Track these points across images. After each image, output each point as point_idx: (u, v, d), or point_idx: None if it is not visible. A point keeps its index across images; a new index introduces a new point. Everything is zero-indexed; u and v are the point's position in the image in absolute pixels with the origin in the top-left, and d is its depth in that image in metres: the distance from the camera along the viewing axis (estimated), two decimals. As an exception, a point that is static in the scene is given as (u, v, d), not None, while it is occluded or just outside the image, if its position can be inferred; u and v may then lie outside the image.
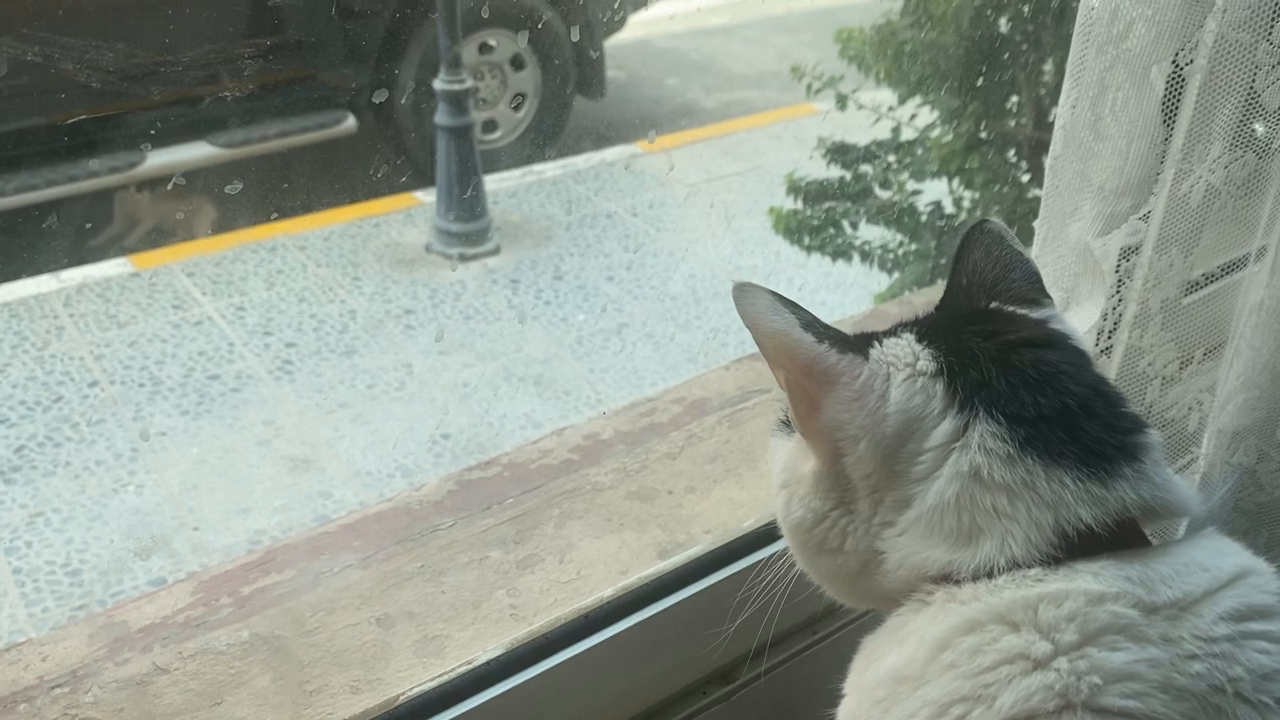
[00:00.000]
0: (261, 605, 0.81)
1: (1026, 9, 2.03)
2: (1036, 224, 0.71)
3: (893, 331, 0.61)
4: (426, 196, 3.33)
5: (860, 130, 2.63)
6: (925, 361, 0.58)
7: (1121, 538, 0.55)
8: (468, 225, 3.22)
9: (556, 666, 0.73)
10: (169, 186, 2.91)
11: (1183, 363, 0.73)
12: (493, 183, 3.42)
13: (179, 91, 2.62)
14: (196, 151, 2.82)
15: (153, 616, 0.80)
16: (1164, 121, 0.63)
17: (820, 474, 0.60)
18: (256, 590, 0.82)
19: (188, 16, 2.54)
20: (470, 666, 0.72)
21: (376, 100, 3.13)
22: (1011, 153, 2.34)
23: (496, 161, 3.49)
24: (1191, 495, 0.59)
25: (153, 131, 2.64)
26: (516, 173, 3.61)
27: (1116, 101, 0.62)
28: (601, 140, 3.91)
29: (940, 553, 0.56)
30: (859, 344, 0.58)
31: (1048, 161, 0.67)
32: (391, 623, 0.80)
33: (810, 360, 0.56)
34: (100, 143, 2.69)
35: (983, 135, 2.19)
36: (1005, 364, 0.57)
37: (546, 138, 3.66)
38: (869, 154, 2.41)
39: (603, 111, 3.93)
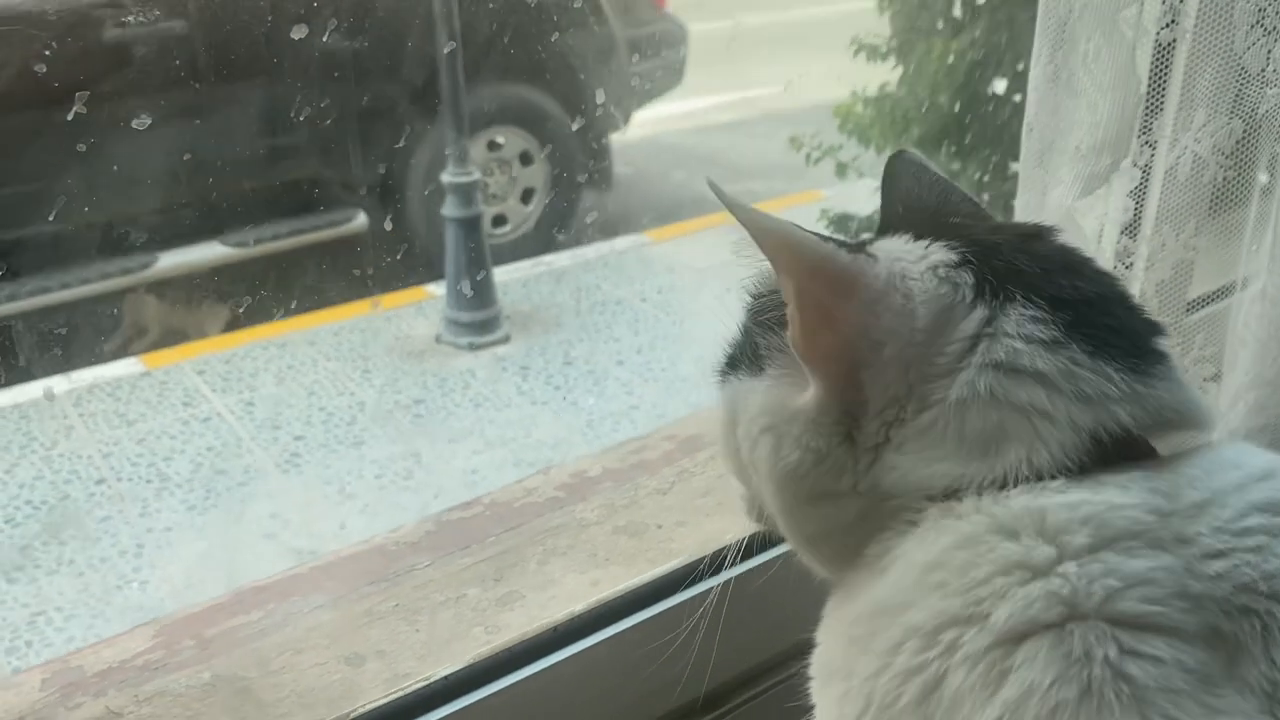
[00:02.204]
0: (225, 647, 0.77)
1: (1020, 65, 2.04)
2: (1016, 199, 0.68)
3: (879, 236, 0.55)
4: (437, 290, 3.35)
5: (864, 202, 2.63)
6: (942, 253, 0.52)
7: (1151, 448, 0.49)
8: (477, 315, 3.24)
9: (521, 681, 0.68)
10: (181, 288, 2.94)
11: (1184, 349, 0.69)
12: (502, 273, 3.44)
13: (192, 193, 2.67)
14: (209, 252, 2.86)
15: (110, 660, 0.75)
16: (1136, 71, 0.60)
17: (824, 403, 0.52)
18: (221, 632, 0.78)
19: (201, 119, 2.60)
20: (427, 682, 0.67)
21: (386, 226, 3.18)
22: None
23: (506, 253, 3.52)
24: (1209, 405, 0.53)
25: (165, 233, 2.68)
26: (526, 263, 3.63)
27: (1088, 54, 0.60)
28: (610, 231, 3.94)
29: (949, 466, 0.49)
30: (860, 247, 0.52)
31: (1023, 130, 0.65)
32: (361, 661, 0.75)
33: (821, 261, 0.50)
34: (113, 245, 2.73)
35: (985, 198, 2.19)
36: (1029, 251, 0.52)
37: (555, 230, 3.70)
38: (871, 223, 2.41)
39: (611, 204, 3.98)
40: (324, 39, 2.72)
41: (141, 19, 2.41)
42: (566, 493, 0.94)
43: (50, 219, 2.39)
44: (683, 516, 0.91)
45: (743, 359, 0.58)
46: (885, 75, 2.30)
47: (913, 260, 0.52)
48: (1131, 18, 0.59)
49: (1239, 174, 0.64)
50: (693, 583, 0.76)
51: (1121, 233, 0.66)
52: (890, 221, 0.58)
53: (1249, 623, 0.44)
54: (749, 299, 0.59)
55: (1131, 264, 0.67)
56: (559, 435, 2.87)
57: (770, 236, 0.50)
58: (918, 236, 0.53)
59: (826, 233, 0.53)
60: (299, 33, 2.52)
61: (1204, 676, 0.42)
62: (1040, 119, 0.64)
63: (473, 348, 3.18)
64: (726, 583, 0.69)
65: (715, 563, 0.74)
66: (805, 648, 0.57)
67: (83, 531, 2.49)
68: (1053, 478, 0.47)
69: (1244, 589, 0.44)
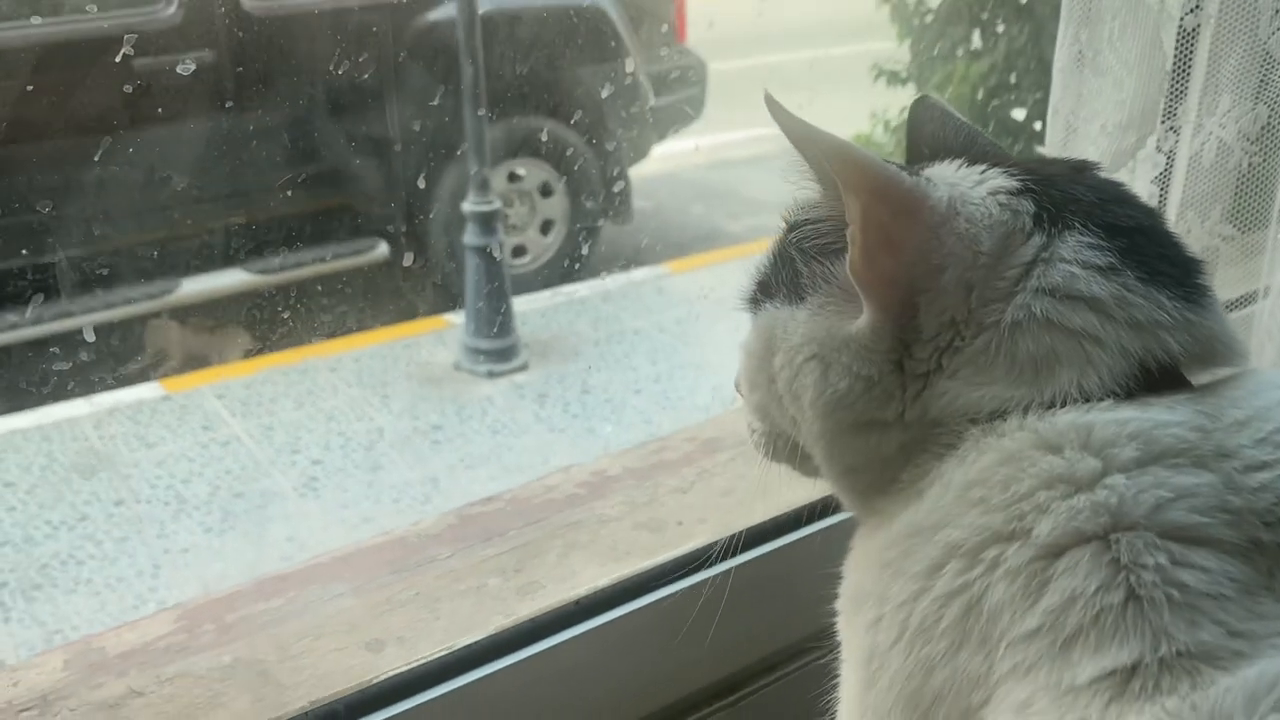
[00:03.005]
0: (247, 631, 0.77)
1: (1039, 94, 2.05)
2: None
3: (929, 163, 0.55)
4: (457, 319, 3.37)
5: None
6: (1001, 179, 0.52)
7: (1184, 381, 0.49)
8: (496, 343, 3.25)
9: (543, 652, 0.68)
10: (203, 313, 2.97)
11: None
12: (522, 303, 3.46)
13: (215, 220, 2.70)
14: (231, 278, 2.88)
15: (133, 643, 0.75)
16: (1163, 48, 0.60)
17: (879, 329, 0.52)
18: (242, 617, 0.78)
19: (225, 148, 2.63)
20: (449, 650, 0.67)
21: (407, 254, 3.21)
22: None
23: (526, 284, 3.54)
24: (1243, 339, 0.53)
25: (188, 259, 2.71)
26: (545, 293, 3.65)
27: (1113, 32, 0.60)
28: (629, 263, 3.96)
29: (999, 389, 0.49)
30: (913, 171, 0.52)
31: (1049, 113, 0.65)
32: (381, 647, 0.75)
33: (886, 182, 0.49)
34: (136, 270, 2.76)
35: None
36: (1083, 182, 0.52)
37: (574, 261, 3.72)
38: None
39: (630, 237, 4.00)
40: (349, 70, 2.76)
41: (170, 48, 2.45)
42: (587, 490, 0.94)
43: (75, 244, 2.42)
44: (703, 514, 0.91)
45: (779, 287, 0.57)
46: (904, 104, 2.31)
47: (970, 185, 0.52)
48: (1156, 1, 0.60)
49: (1264, 160, 0.64)
50: (708, 565, 0.76)
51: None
52: (918, 163, 0.58)
53: None
54: (786, 227, 0.59)
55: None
56: (576, 462, 2.86)
57: (835, 155, 0.49)
58: (971, 162, 0.53)
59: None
60: (323, 62, 2.56)
61: (1246, 587, 0.42)
62: (1065, 102, 0.64)
63: (491, 375, 3.19)
64: (741, 567, 0.69)
65: (730, 546, 0.74)
66: (826, 634, 0.56)
67: (101, 551, 2.50)
68: (1100, 400, 0.47)
69: None
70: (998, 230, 0.50)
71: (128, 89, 2.27)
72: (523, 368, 3.23)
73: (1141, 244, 0.50)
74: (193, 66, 1.58)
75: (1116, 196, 0.52)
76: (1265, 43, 0.61)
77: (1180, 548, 0.43)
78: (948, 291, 0.50)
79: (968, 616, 0.45)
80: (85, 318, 2.78)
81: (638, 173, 4.25)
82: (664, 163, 4.44)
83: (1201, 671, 0.41)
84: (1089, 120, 0.63)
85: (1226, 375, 0.50)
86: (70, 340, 2.71)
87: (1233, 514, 0.44)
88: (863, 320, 0.53)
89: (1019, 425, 0.48)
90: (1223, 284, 0.75)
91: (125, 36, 1.03)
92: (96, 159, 2.12)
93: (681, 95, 4.07)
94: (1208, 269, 0.52)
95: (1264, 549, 0.43)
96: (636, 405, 3.18)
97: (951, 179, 0.52)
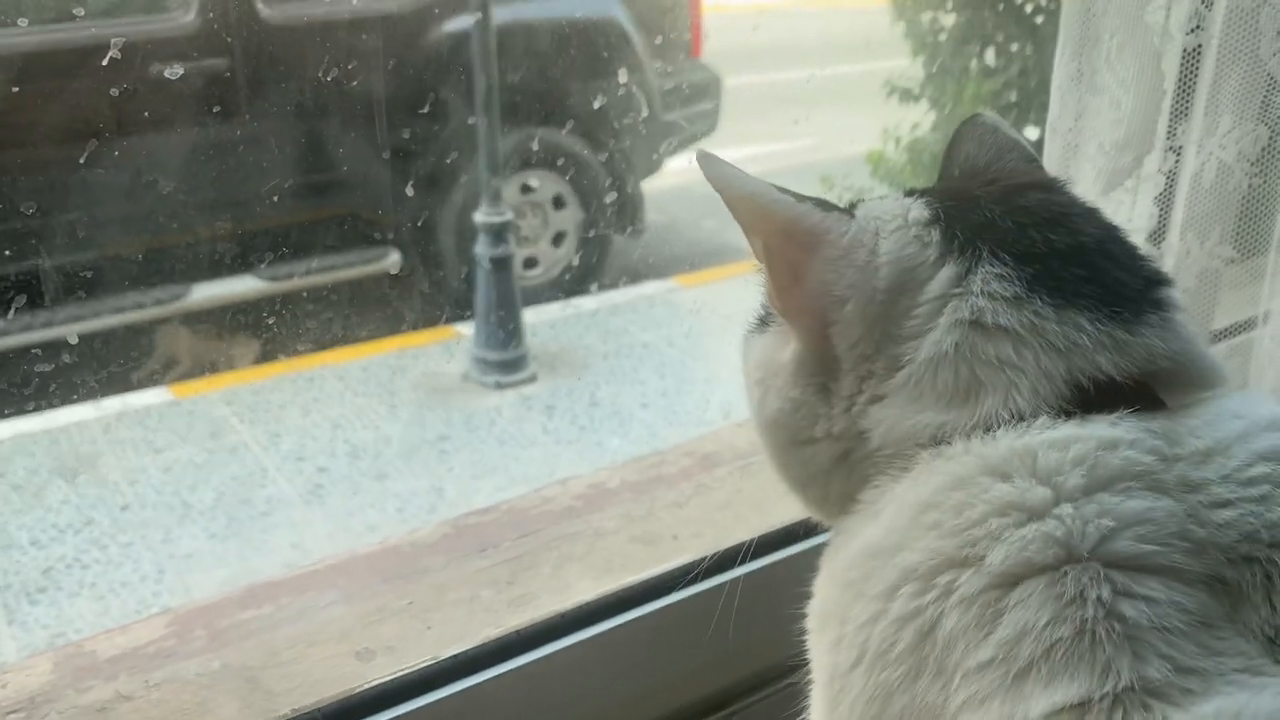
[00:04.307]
0: (238, 638, 0.76)
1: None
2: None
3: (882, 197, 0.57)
4: (466, 329, 3.37)
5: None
6: (918, 211, 0.53)
7: (1146, 395, 0.48)
8: (505, 354, 3.25)
9: (531, 663, 0.67)
10: (214, 320, 2.97)
11: (1209, 358, 0.68)
12: (531, 315, 3.47)
13: (228, 227, 2.71)
14: (242, 285, 2.89)
15: (123, 647, 0.75)
16: (1160, 66, 0.60)
17: (801, 357, 0.55)
18: (234, 623, 0.78)
19: (240, 156, 2.65)
20: (434, 660, 0.66)
21: (418, 264, 3.22)
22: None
23: (536, 296, 3.54)
24: (1221, 363, 0.52)
25: (200, 265, 2.72)
26: (555, 305, 3.66)
27: (1111, 51, 0.60)
28: (639, 276, 3.96)
29: (932, 415, 0.50)
30: (844, 208, 0.54)
31: (1047, 132, 0.65)
32: (371, 655, 0.75)
33: (792, 220, 0.52)
34: (147, 275, 2.78)
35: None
36: (1009, 205, 0.52)
37: (586, 274, 3.72)
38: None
39: (642, 250, 4.00)
40: (363, 79, 2.78)
41: (186, 56, 2.47)
42: (584, 503, 0.94)
43: (87, 248, 2.43)
44: (699, 529, 0.91)
45: (759, 318, 0.60)
46: (916, 120, 2.31)
47: (889, 218, 0.53)
48: (1156, 18, 0.60)
49: (1265, 181, 0.63)
50: (702, 579, 0.75)
51: (1147, 239, 0.66)
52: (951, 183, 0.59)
53: (1251, 570, 0.43)
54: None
55: (1156, 271, 0.67)
56: (574, 475, 2.86)
57: (742, 199, 0.52)
58: (910, 194, 0.54)
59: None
60: (338, 71, 2.57)
61: (1204, 619, 0.42)
62: (1063, 121, 0.64)
63: (499, 386, 3.19)
64: (735, 581, 0.68)
65: (726, 560, 0.74)
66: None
67: (106, 555, 2.51)
68: (1035, 418, 0.48)
69: (1248, 537, 0.44)
70: (898, 265, 0.52)
71: (140, 95, 2.29)
72: (531, 379, 3.23)
73: (1057, 268, 0.50)
74: (180, 71, 1.59)
75: (1046, 218, 0.52)
76: (1266, 64, 0.60)
77: (1126, 578, 0.43)
78: (852, 323, 0.52)
79: (923, 643, 0.45)
80: (95, 322, 2.79)
81: (651, 186, 4.26)
82: (677, 176, 4.44)
83: (1153, 708, 0.40)
84: (1087, 139, 0.63)
85: (1194, 402, 0.50)
86: (81, 344, 2.72)
87: (1194, 544, 0.44)
88: (791, 347, 0.55)
89: (964, 449, 0.48)
90: (1226, 308, 0.75)
91: (112, 41, 1.04)
92: (110, 165, 2.13)
93: (696, 110, 4.08)
94: (1165, 284, 0.52)
95: (1228, 584, 0.43)
96: (644, 419, 3.18)
97: (875, 212, 0.54)
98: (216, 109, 2.56)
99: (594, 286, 3.76)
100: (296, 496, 2.74)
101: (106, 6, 2.28)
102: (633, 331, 3.66)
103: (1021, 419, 0.48)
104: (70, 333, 2.72)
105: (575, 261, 3.63)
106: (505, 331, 3.25)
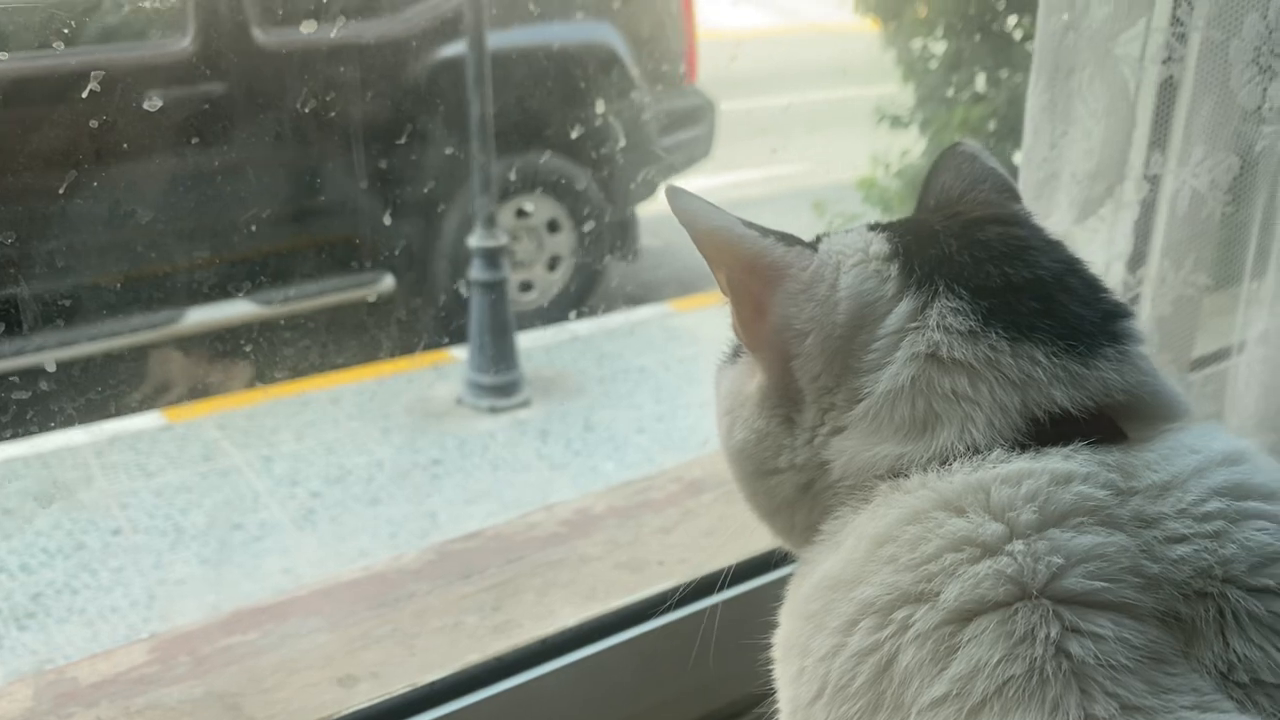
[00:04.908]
0: (221, 664, 0.76)
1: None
2: (1014, 227, 0.68)
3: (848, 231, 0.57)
4: (461, 353, 3.37)
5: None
6: (879, 246, 0.54)
7: (1102, 428, 0.49)
8: (499, 378, 3.25)
9: (514, 689, 0.67)
10: (207, 344, 2.97)
11: (1184, 388, 0.69)
12: (527, 339, 3.47)
13: (222, 251, 2.72)
14: (236, 309, 2.89)
15: (105, 673, 0.75)
16: (1134, 103, 0.61)
17: (766, 389, 0.55)
18: (218, 649, 0.78)
19: (234, 181, 2.66)
20: (413, 687, 0.66)
21: (412, 288, 3.22)
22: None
23: (531, 320, 3.55)
24: (1184, 396, 0.53)
25: (191, 289, 2.72)
26: (550, 329, 3.66)
27: (1082, 82, 0.61)
28: (635, 300, 3.97)
29: (890, 447, 0.50)
30: (809, 242, 0.55)
31: (1021, 162, 0.66)
32: (354, 682, 0.75)
33: (755, 254, 0.53)
34: (141, 300, 2.78)
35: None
36: (968, 239, 0.53)
37: (581, 298, 3.73)
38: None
39: (637, 274, 4.01)
40: (359, 105, 2.79)
41: (183, 80, 2.48)
42: (569, 529, 0.94)
43: (80, 272, 2.43)
44: (685, 555, 0.91)
45: (731, 349, 0.61)
46: (907, 146, 2.33)
47: (850, 253, 0.54)
48: (1126, 48, 0.61)
49: (1237, 210, 0.64)
50: (682, 605, 0.75)
51: (1119, 266, 0.67)
52: (923, 213, 0.60)
53: (1205, 606, 0.44)
54: None
55: (1134, 298, 0.68)
56: (560, 500, 2.86)
57: (707, 232, 0.53)
58: (873, 228, 0.55)
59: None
60: (333, 96, 2.59)
61: (1155, 654, 0.42)
62: (1037, 150, 0.65)
63: (493, 411, 3.19)
64: (715, 607, 0.69)
65: (707, 586, 0.74)
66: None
67: (96, 580, 2.49)
68: (990, 451, 0.48)
69: (1202, 573, 0.44)
70: (857, 300, 0.52)
71: (133, 118, 2.30)
72: (525, 404, 3.23)
73: (1013, 302, 0.51)
74: (160, 103, 1.60)
75: (1003, 252, 0.53)
76: (1237, 95, 0.61)
77: (1075, 615, 0.43)
78: (813, 356, 0.53)
79: (880, 678, 0.45)
80: (89, 346, 2.79)
81: (646, 210, 4.27)
82: (671, 201, 4.46)
83: None
84: (1060, 169, 0.64)
85: (1154, 434, 0.50)
86: (73, 368, 2.72)
87: (1147, 579, 0.44)
88: (757, 378, 0.56)
89: (921, 483, 0.49)
90: (1213, 334, 0.75)
91: (92, 73, 1.04)
92: (102, 190, 2.14)
93: (691, 134, 4.10)
94: (1124, 316, 0.53)
95: (1182, 619, 0.44)
96: (639, 443, 3.18)
97: (837, 247, 0.55)
98: (212, 135, 2.56)
99: (589, 310, 3.76)
100: (288, 521, 2.74)
101: (102, 32, 2.29)
102: (628, 356, 3.66)
103: (977, 452, 0.48)
104: (48, 360, 2.72)
105: (570, 285, 3.63)
106: (499, 355, 3.25)
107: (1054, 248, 0.54)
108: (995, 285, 0.51)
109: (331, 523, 2.72)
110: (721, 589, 0.70)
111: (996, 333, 0.50)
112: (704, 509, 0.97)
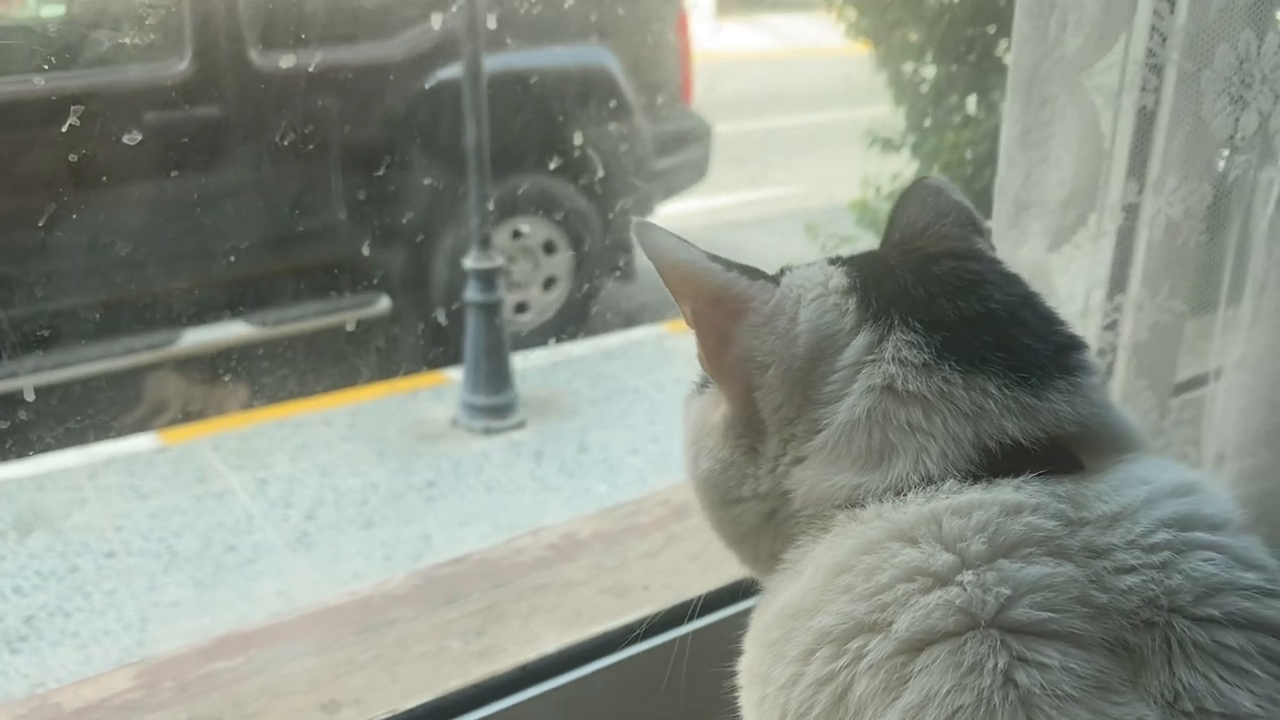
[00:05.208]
0: (206, 690, 0.77)
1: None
2: (990, 255, 0.69)
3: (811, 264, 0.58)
4: (456, 374, 3.38)
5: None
6: (838, 280, 0.55)
7: (1054, 459, 0.49)
8: (494, 400, 3.26)
9: (496, 714, 0.67)
10: (203, 365, 2.98)
11: (1161, 412, 0.69)
12: (522, 360, 3.47)
13: (219, 274, 2.73)
14: (232, 330, 2.90)
15: (89, 699, 0.75)
16: (1113, 132, 0.62)
17: (730, 419, 0.56)
18: (202, 675, 0.78)
19: (230, 201, 2.67)
20: (392, 714, 0.66)
21: (408, 309, 3.23)
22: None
23: (527, 340, 3.55)
24: (1140, 429, 0.53)
25: (190, 310, 2.73)
26: (545, 350, 3.67)
27: (1054, 112, 0.62)
28: (630, 321, 3.98)
29: (848, 477, 0.51)
30: (771, 275, 0.56)
31: (995, 190, 0.66)
32: (337, 708, 0.75)
33: (719, 288, 0.54)
34: (137, 321, 2.78)
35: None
36: (923, 273, 0.54)
37: (576, 319, 3.74)
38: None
39: (633, 295, 4.02)
40: (356, 127, 2.80)
41: (180, 103, 2.49)
42: (555, 553, 0.94)
43: (77, 294, 2.44)
44: (670, 580, 0.91)
45: (700, 380, 0.62)
46: (899, 169, 2.34)
47: (810, 286, 0.55)
48: (1097, 78, 0.61)
49: (1211, 238, 0.65)
50: (663, 631, 0.76)
51: (1097, 293, 0.67)
52: (889, 246, 0.61)
53: (1152, 635, 0.45)
54: None
55: (1111, 324, 0.68)
56: (546, 524, 2.86)
57: (673, 266, 0.54)
58: (833, 262, 0.56)
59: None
60: (331, 119, 2.60)
61: (1101, 683, 0.43)
62: (1011, 179, 0.66)
63: (488, 432, 3.19)
64: (699, 632, 0.69)
65: (684, 613, 0.75)
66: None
67: (89, 603, 2.49)
68: (943, 482, 0.49)
69: (1149, 603, 0.45)
70: (816, 333, 0.54)
71: (132, 142, 2.31)
72: (520, 425, 3.23)
73: (966, 335, 0.52)
74: (139, 138, 1.61)
75: (957, 286, 0.54)
76: (1209, 125, 0.62)
77: (1022, 645, 0.44)
78: (775, 388, 0.54)
79: (837, 707, 0.46)
80: (85, 368, 2.79)
81: (641, 232, 4.28)
82: (669, 222, 4.47)
83: None
84: (1034, 197, 0.64)
85: (1107, 465, 0.51)
86: (69, 390, 2.72)
87: (1095, 609, 0.45)
88: (722, 409, 0.57)
89: (876, 513, 0.50)
90: (1186, 363, 0.76)
91: (72, 108, 1.05)
92: (99, 210, 2.14)
93: (686, 156, 4.11)
94: (1077, 349, 0.54)
95: (1131, 651, 0.44)
96: (634, 465, 3.18)
97: (798, 280, 0.56)
98: (210, 157, 2.58)
99: (584, 331, 3.77)
100: (283, 544, 2.73)
101: (100, 55, 2.31)
102: (623, 377, 3.67)
103: (931, 482, 0.49)
104: (60, 378, 2.73)
105: (566, 306, 3.64)
106: (494, 377, 3.25)
107: (1009, 282, 0.55)
108: (949, 319, 0.52)
109: (325, 545, 2.72)
110: (692, 618, 0.70)
111: (950, 365, 0.51)
112: (690, 534, 0.97)
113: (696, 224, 4.76)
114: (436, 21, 2.87)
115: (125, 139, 1.53)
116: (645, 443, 3.25)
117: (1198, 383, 0.73)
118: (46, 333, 2.29)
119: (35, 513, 2.51)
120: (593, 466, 3.11)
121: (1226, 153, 0.63)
